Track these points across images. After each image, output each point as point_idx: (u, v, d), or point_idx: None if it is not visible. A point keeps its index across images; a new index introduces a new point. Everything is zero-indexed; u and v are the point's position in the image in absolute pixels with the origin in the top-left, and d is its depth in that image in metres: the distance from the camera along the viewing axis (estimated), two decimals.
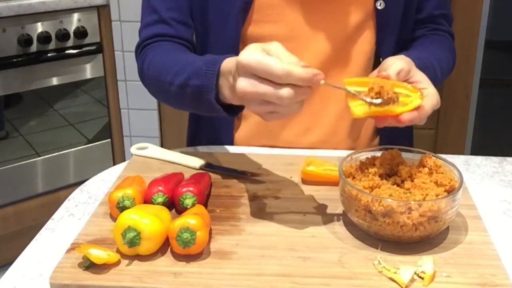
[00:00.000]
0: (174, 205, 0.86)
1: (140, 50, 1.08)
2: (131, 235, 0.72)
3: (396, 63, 0.85)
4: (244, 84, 0.72)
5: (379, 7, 1.04)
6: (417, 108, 0.79)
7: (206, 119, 1.16)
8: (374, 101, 0.78)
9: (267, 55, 0.71)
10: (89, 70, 2.26)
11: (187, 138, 1.25)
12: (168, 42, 1.05)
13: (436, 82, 0.90)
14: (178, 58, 0.98)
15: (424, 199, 0.76)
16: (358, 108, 0.79)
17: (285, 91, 0.70)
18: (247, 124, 1.13)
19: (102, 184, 0.98)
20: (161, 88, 0.99)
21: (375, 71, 0.88)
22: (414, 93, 0.80)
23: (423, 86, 0.84)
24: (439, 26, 1.14)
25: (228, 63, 0.82)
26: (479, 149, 2.37)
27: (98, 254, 0.72)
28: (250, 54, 0.71)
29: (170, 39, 1.06)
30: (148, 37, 1.07)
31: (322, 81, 0.72)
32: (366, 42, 1.07)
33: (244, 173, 0.97)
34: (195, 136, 1.22)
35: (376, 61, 1.10)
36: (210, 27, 1.07)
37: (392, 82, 0.81)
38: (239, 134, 1.14)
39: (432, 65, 1.01)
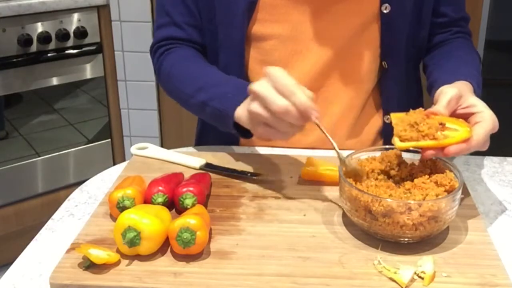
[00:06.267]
0: (174, 205, 0.86)
1: (155, 50, 1.14)
2: (131, 235, 0.72)
3: (445, 92, 0.84)
4: (255, 106, 0.82)
5: (384, 11, 1.04)
6: (465, 140, 0.79)
7: None
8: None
9: (272, 89, 0.80)
10: (89, 70, 2.26)
11: (195, 135, 1.26)
12: (183, 48, 1.11)
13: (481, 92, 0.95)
14: (201, 72, 1.05)
15: (424, 199, 0.76)
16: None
17: (284, 123, 0.80)
18: None
19: (102, 184, 0.98)
20: (180, 96, 1.07)
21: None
22: (463, 127, 0.80)
23: (478, 109, 0.84)
24: (461, 28, 1.14)
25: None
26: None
27: (98, 254, 0.72)
28: (260, 85, 0.82)
29: (182, 43, 1.11)
30: (161, 39, 1.13)
31: (315, 118, 0.80)
32: (370, 44, 1.07)
33: (244, 173, 0.97)
34: (203, 134, 1.23)
35: (380, 64, 1.09)
36: (218, 26, 1.08)
37: (439, 117, 0.81)
38: None
39: (480, 80, 1.01)
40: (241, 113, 0.91)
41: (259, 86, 0.81)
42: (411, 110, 0.83)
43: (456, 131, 0.80)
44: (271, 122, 0.81)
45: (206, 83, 1.02)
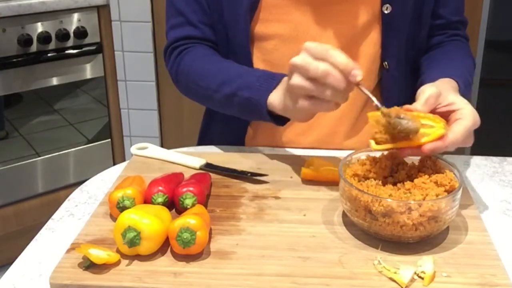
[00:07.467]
0: (174, 205, 0.86)
1: (170, 52, 1.12)
2: (131, 235, 0.72)
3: (424, 91, 0.84)
4: (297, 79, 0.82)
5: (385, 11, 1.04)
6: (441, 138, 0.79)
7: (220, 116, 1.16)
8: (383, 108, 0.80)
9: (310, 57, 0.81)
10: (89, 70, 2.26)
11: (198, 133, 1.26)
12: (201, 46, 1.10)
13: (470, 94, 0.96)
14: (222, 67, 1.04)
15: (424, 199, 0.76)
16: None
17: (328, 89, 0.80)
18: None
19: (102, 184, 0.98)
20: (202, 93, 1.06)
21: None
22: (438, 123, 0.80)
23: (457, 107, 0.83)
24: (457, 31, 1.14)
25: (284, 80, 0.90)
26: (479, 149, 2.37)
27: (98, 254, 0.72)
28: (298, 57, 0.82)
29: (198, 42, 1.10)
30: (176, 39, 1.11)
31: (359, 77, 0.79)
32: (371, 44, 1.07)
33: (244, 173, 0.97)
34: (207, 132, 1.22)
35: (381, 64, 1.09)
36: (226, 26, 1.08)
37: (415, 113, 0.80)
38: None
39: (469, 82, 1.01)
40: (274, 98, 0.91)
41: (297, 58, 0.82)
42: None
43: (431, 128, 0.80)
44: (314, 91, 0.81)
45: (229, 76, 1.01)
